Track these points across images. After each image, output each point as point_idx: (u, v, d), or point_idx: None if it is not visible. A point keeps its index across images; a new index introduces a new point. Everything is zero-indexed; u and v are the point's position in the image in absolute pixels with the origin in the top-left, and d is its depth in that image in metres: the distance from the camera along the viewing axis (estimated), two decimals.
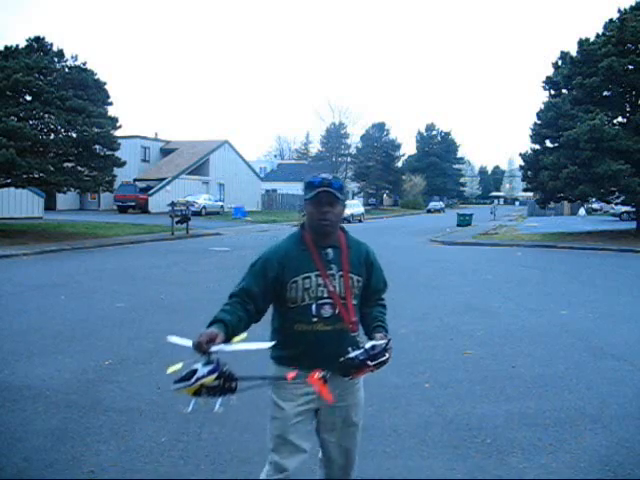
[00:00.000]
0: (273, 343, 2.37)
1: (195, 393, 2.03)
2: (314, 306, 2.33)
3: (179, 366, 2.13)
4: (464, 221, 31.51)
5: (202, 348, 2.07)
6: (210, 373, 2.04)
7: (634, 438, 3.88)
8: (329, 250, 2.38)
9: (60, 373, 5.15)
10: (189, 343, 2.12)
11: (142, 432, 3.92)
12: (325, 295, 2.33)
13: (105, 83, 21.57)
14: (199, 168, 41.52)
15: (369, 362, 2.19)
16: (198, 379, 2.00)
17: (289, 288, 2.33)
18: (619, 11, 21.60)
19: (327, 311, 2.33)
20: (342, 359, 2.20)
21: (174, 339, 2.24)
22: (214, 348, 2.09)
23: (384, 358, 2.22)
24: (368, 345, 2.23)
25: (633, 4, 21.47)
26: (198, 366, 2.05)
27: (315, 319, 2.32)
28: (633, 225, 23.50)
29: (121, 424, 4.04)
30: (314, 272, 2.34)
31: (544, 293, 9.99)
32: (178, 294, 9.27)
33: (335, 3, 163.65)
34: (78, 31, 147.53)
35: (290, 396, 2.40)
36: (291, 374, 2.21)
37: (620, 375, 5.29)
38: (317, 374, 2.17)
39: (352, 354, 2.20)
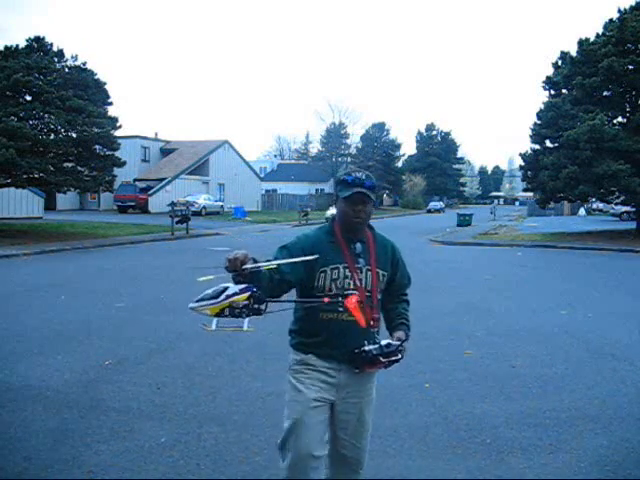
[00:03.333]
0: (315, 257, 2.31)
1: (217, 313, 1.99)
2: (340, 297, 2.36)
3: (211, 277, 2.08)
4: (464, 221, 31.51)
5: (235, 265, 2.02)
6: (242, 291, 1.99)
7: (634, 438, 3.89)
8: (357, 244, 2.46)
9: (60, 373, 5.15)
10: (217, 275, 2.07)
11: (142, 432, 3.91)
12: (352, 287, 2.38)
13: (105, 83, 21.59)
14: (199, 168, 41.52)
15: (381, 358, 2.27)
16: (228, 297, 1.97)
17: (317, 277, 2.38)
18: (619, 11, 21.61)
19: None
20: (356, 350, 2.31)
21: (202, 279, 2.16)
22: (248, 266, 2.02)
23: (396, 357, 2.31)
24: (384, 342, 2.32)
25: (633, 4, 21.47)
26: (229, 284, 2.01)
27: (341, 308, 2.33)
28: (633, 225, 23.51)
29: (121, 424, 4.04)
30: (342, 264, 2.40)
31: (544, 293, 9.99)
32: (178, 294, 9.26)
33: (335, 3, 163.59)
34: (78, 31, 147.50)
35: (309, 381, 2.43)
36: (326, 299, 2.28)
37: (620, 375, 5.29)
38: (355, 298, 2.22)
39: (367, 347, 2.30)
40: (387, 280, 2.52)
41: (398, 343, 2.34)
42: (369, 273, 2.43)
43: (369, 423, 2.54)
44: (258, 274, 2.12)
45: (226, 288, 1.97)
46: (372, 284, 2.43)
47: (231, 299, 1.96)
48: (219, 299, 1.96)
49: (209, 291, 1.99)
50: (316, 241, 2.44)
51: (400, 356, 2.33)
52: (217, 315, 1.98)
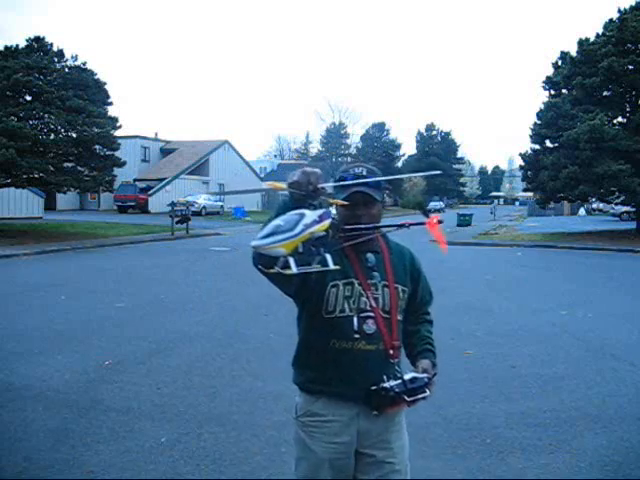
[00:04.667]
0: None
1: (293, 250, 1.49)
2: (356, 319, 1.92)
3: (283, 185, 1.62)
4: (464, 221, 31.50)
5: (311, 183, 1.56)
6: (322, 218, 1.54)
7: (634, 438, 3.88)
8: (369, 255, 2.00)
9: (60, 373, 5.15)
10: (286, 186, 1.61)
11: (142, 432, 3.91)
12: (368, 307, 1.94)
13: (105, 83, 21.60)
14: (199, 168, 41.54)
15: (405, 397, 1.83)
16: (307, 226, 1.49)
17: (328, 292, 1.93)
18: (619, 11, 21.61)
19: (371, 327, 1.93)
20: (374, 388, 1.85)
21: (269, 184, 1.79)
22: (326, 185, 1.58)
23: (424, 395, 1.86)
24: (408, 376, 1.87)
25: (633, 4, 21.47)
26: (303, 210, 1.52)
27: (357, 335, 1.91)
28: (633, 225, 23.50)
29: (121, 424, 4.04)
30: (356, 279, 1.96)
31: (544, 293, 9.98)
32: (178, 294, 9.27)
33: (335, 3, 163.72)
34: (78, 31, 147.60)
35: (321, 436, 1.95)
36: (408, 221, 1.92)
37: (620, 375, 5.29)
38: (436, 218, 1.86)
39: (386, 384, 1.84)
40: (407, 297, 2.07)
41: (425, 376, 1.89)
42: (386, 290, 1.98)
43: (401, 472, 2.00)
44: None
45: (302, 216, 1.50)
46: (391, 303, 1.98)
47: (311, 229, 1.49)
48: (295, 230, 1.47)
49: (278, 221, 1.50)
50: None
51: (428, 392, 1.87)
52: (292, 253, 1.50)
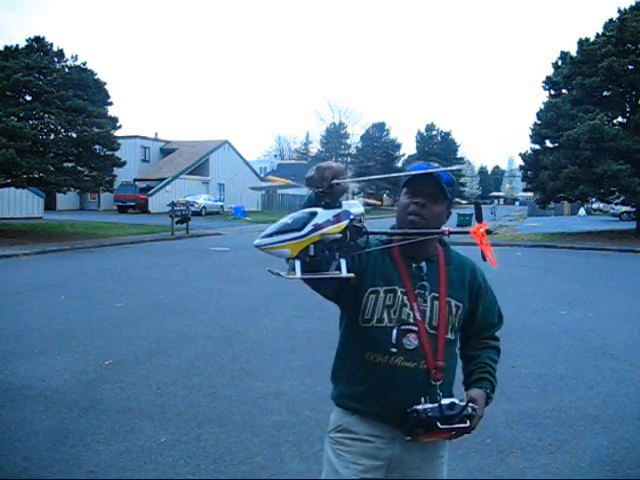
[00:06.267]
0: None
1: (300, 252, 1.34)
2: (395, 331, 1.72)
3: (284, 180, 1.52)
4: (464, 221, 31.47)
5: (325, 179, 1.39)
6: (338, 219, 1.36)
7: (634, 438, 3.89)
8: (423, 263, 1.78)
9: (60, 373, 5.15)
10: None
11: (142, 432, 3.92)
12: (411, 320, 1.73)
13: (105, 83, 21.61)
14: (199, 168, 41.54)
15: (439, 424, 1.63)
16: (318, 227, 1.33)
17: (366, 298, 1.74)
18: (619, 11, 21.62)
19: (412, 342, 1.72)
20: (408, 410, 1.66)
21: (270, 178, 1.61)
22: (342, 180, 1.38)
23: (462, 425, 1.66)
24: (446, 401, 1.67)
25: (633, 4, 21.49)
26: (316, 208, 1.37)
27: (394, 349, 1.71)
28: (633, 225, 23.51)
29: (121, 424, 4.04)
30: (400, 288, 1.75)
31: (544, 293, 9.99)
32: (178, 294, 9.27)
33: (335, 3, 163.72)
34: (78, 31, 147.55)
35: (350, 456, 1.75)
36: (447, 228, 1.68)
37: (620, 375, 5.29)
38: (482, 228, 1.63)
39: (421, 406, 1.66)
40: (464, 315, 1.83)
41: (468, 405, 1.68)
42: (436, 303, 1.76)
43: None
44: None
45: (313, 214, 1.34)
46: (439, 318, 1.75)
47: (322, 230, 1.32)
48: (304, 231, 1.32)
49: (286, 219, 1.36)
50: (368, 247, 1.69)
51: (468, 424, 1.67)
52: (300, 256, 1.34)
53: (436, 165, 1.73)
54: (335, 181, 1.38)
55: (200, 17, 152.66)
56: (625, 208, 29.32)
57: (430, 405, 1.65)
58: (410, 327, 1.72)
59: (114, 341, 6.30)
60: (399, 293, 1.74)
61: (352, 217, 1.40)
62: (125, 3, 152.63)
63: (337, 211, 1.38)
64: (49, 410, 4.28)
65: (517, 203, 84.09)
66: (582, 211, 44.30)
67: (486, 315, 1.92)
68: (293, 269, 1.37)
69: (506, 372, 5.35)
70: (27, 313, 7.76)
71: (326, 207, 1.38)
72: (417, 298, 1.74)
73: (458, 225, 30.80)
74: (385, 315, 1.73)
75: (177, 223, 21.93)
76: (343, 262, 1.39)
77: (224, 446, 3.73)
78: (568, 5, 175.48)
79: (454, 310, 1.79)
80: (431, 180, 1.71)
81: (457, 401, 1.68)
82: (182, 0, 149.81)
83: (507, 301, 9.02)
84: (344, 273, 1.39)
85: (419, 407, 1.65)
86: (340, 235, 1.36)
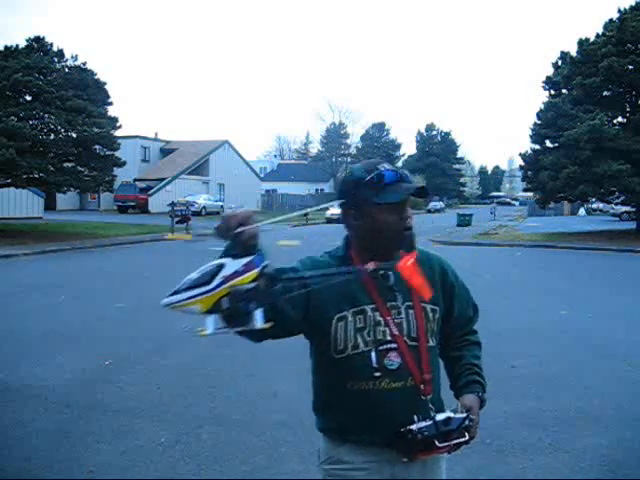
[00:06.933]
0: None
1: (212, 307, 1.29)
2: (373, 354, 1.59)
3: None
4: (464, 221, 31.48)
5: (230, 229, 1.30)
6: (248, 268, 1.28)
7: (634, 438, 3.89)
8: (389, 272, 1.63)
9: (60, 373, 5.15)
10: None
11: (142, 432, 3.91)
12: (388, 337, 1.61)
13: (105, 83, 21.63)
14: (199, 168, 41.54)
15: (437, 442, 1.54)
16: (226, 279, 1.27)
17: (335, 327, 1.61)
18: (619, 11, 21.62)
19: (394, 360, 1.61)
20: (402, 429, 1.55)
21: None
22: (247, 228, 1.31)
23: (462, 440, 1.58)
24: (441, 416, 1.57)
25: (633, 4, 21.48)
26: (224, 260, 1.31)
27: (378, 373, 1.59)
28: (633, 225, 23.50)
29: (121, 424, 4.04)
30: (369, 305, 1.62)
31: (544, 293, 9.98)
32: None
33: (335, 3, 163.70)
34: (78, 31, 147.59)
35: None
36: (370, 264, 1.49)
37: (620, 375, 5.29)
38: (410, 259, 1.48)
39: (415, 425, 1.55)
40: (441, 317, 1.72)
41: (462, 417, 1.59)
42: (411, 312, 1.64)
43: None
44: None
45: (221, 266, 1.29)
46: (418, 328, 1.64)
47: (232, 281, 1.27)
48: (212, 284, 1.27)
49: (194, 274, 1.32)
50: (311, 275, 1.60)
51: (467, 437, 1.59)
52: (212, 310, 1.30)
53: (406, 172, 1.65)
54: (240, 229, 1.29)
55: (200, 17, 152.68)
56: (625, 208, 29.33)
57: (424, 423, 1.55)
58: (389, 345, 1.60)
59: (114, 341, 6.31)
60: (369, 312, 1.61)
61: (264, 264, 1.32)
62: (125, 3, 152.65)
63: (247, 260, 1.30)
64: (49, 410, 4.28)
65: (517, 203, 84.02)
66: (582, 211, 44.30)
67: (462, 311, 1.83)
68: (206, 325, 1.31)
69: (506, 372, 5.35)
70: (27, 313, 7.76)
71: (236, 257, 1.30)
72: (390, 312, 1.62)
73: (458, 225, 30.82)
74: (360, 340, 1.60)
75: (177, 223, 21.92)
76: (258, 312, 1.31)
77: (224, 446, 3.73)
78: (568, 5, 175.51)
79: (431, 315, 1.68)
80: (423, 186, 1.64)
81: (453, 415, 1.58)
82: (182, 0, 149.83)
83: (507, 301, 9.10)
84: (259, 324, 1.30)
85: (413, 427, 1.54)
86: (252, 286, 1.28)
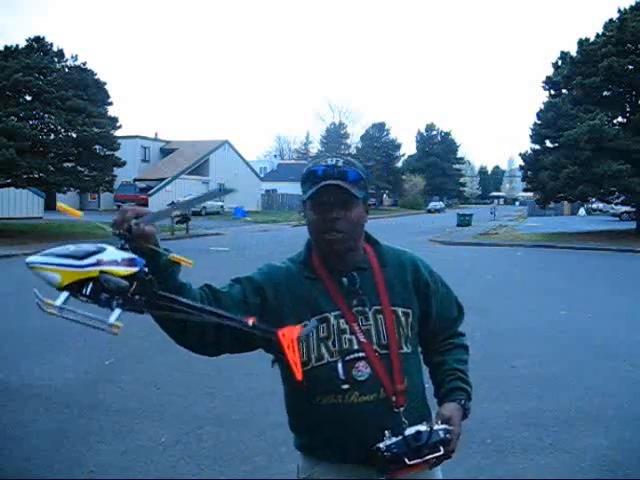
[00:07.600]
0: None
1: (72, 285, 1.22)
2: (340, 364, 1.47)
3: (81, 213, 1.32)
4: (464, 221, 31.46)
5: (125, 221, 1.25)
6: (126, 264, 1.21)
7: (634, 438, 3.89)
8: (352, 274, 1.52)
9: (60, 373, 5.16)
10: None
11: (142, 432, 3.92)
12: (355, 346, 1.48)
13: (105, 83, 21.66)
14: (199, 168, 41.56)
15: (406, 460, 1.40)
16: (100, 263, 1.17)
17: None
18: (619, 11, 21.62)
19: (363, 371, 1.47)
20: (373, 448, 1.44)
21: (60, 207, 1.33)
22: (140, 220, 1.27)
23: (436, 454, 1.42)
24: (410, 431, 1.43)
25: (633, 4, 21.49)
26: (109, 246, 1.23)
27: (346, 385, 1.46)
28: (633, 225, 23.50)
29: (121, 424, 4.04)
30: (333, 312, 1.50)
31: (544, 293, 9.98)
32: None
33: (335, 3, 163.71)
34: (78, 31, 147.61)
35: None
36: (251, 318, 1.28)
37: (620, 375, 5.29)
38: (296, 331, 1.29)
39: (384, 443, 1.43)
40: (418, 320, 1.58)
41: (440, 429, 1.44)
42: (380, 317, 1.51)
43: None
44: (161, 261, 1.35)
45: (101, 250, 1.19)
46: (389, 335, 1.50)
47: (103, 267, 1.17)
48: (83, 262, 1.17)
49: (71, 246, 1.22)
50: (285, 279, 1.54)
51: (442, 451, 1.42)
52: (70, 288, 1.22)
53: (340, 164, 1.50)
54: (134, 222, 1.24)
55: (200, 17, 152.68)
56: (625, 208, 29.32)
57: (394, 439, 1.42)
58: (356, 355, 1.47)
59: (114, 341, 6.29)
60: (332, 319, 1.48)
61: (145, 271, 1.24)
62: (125, 3, 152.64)
63: (131, 256, 1.22)
64: (49, 410, 4.28)
65: (517, 203, 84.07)
66: (582, 211, 44.30)
67: (443, 312, 1.67)
68: (55, 297, 1.22)
69: (506, 372, 5.35)
70: (27, 313, 7.74)
71: (124, 251, 1.23)
72: (357, 317, 1.49)
73: (458, 225, 30.81)
74: (324, 350, 1.48)
75: (177, 223, 21.93)
76: (116, 312, 1.22)
77: (224, 446, 3.73)
78: (568, 5, 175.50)
79: (403, 319, 1.53)
80: (337, 187, 1.45)
81: (423, 428, 1.43)
82: (182, 0, 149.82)
83: (507, 301, 9.10)
84: (112, 319, 1.20)
85: (381, 445, 1.42)
86: (125, 283, 1.20)
